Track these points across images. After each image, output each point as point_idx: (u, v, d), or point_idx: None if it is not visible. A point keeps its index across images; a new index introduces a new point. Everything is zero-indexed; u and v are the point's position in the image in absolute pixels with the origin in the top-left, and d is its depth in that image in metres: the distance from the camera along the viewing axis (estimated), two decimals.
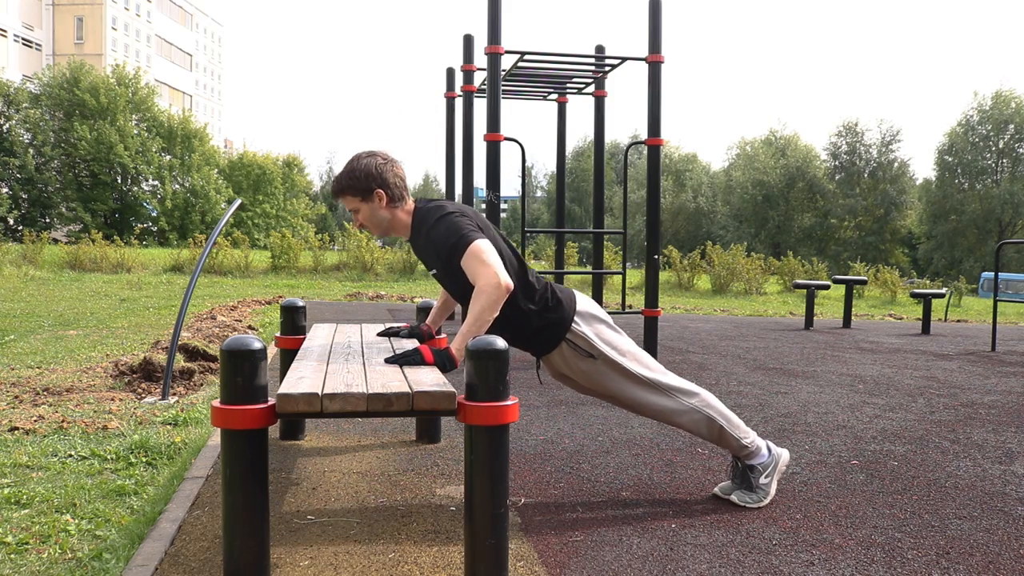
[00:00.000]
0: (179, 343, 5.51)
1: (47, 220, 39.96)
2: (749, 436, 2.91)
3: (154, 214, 42.90)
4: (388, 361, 2.57)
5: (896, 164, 51.32)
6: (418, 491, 3.03)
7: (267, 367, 2.12)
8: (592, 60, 8.00)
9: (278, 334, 3.81)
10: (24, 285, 14.04)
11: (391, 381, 2.25)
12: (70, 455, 3.41)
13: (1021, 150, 47.44)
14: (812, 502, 2.97)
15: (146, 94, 43.46)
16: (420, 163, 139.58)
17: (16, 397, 4.52)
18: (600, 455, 3.59)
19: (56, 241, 28.35)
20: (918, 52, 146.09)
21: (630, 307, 11.93)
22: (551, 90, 9.51)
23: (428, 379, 2.29)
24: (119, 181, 41.77)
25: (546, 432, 4.00)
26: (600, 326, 2.85)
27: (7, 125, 39.10)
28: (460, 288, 2.72)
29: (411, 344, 3.03)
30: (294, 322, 3.76)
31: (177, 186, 44.53)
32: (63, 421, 3.95)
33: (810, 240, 50.91)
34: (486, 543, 2.13)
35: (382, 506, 2.85)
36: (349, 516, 2.74)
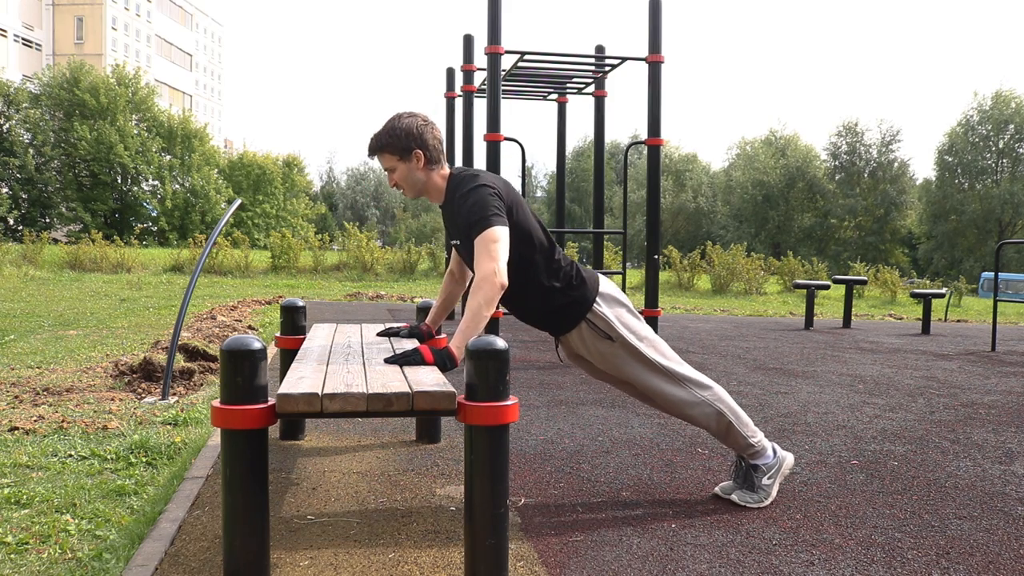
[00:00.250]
0: (179, 343, 5.51)
1: (47, 220, 39.94)
2: (757, 436, 2.91)
3: (154, 214, 42.88)
4: (388, 361, 2.57)
5: (896, 164, 51.29)
6: (418, 491, 3.03)
7: (267, 367, 2.12)
8: (592, 60, 8.00)
9: (278, 334, 3.81)
10: (24, 285, 14.05)
11: (391, 381, 2.25)
12: (70, 455, 3.41)
13: (1021, 150, 47.41)
14: (812, 502, 2.97)
15: (146, 94, 43.45)
16: None
17: (16, 397, 4.52)
18: (600, 455, 3.59)
19: (56, 241, 28.35)
20: (918, 52, 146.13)
21: None
22: (551, 90, 9.51)
23: (428, 379, 2.28)
24: (119, 181, 41.76)
25: (546, 432, 4.00)
26: (621, 310, 2.86)
27: (7, 125, 39.09)
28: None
29: (411, 344, 3.03)
30: (294, 322, 3.76)
31: (177, 186, 44.52)
32: (63, 421, 3.95)
33: (810, 240, 50.89)
34: (486, 543, 2.13)
35: (382, 506, 2.85)
36: (349, 516, 2.74)
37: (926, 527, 2.74)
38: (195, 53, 71.07)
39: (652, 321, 6.62)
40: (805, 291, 11.51)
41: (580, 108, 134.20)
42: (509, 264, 2.65)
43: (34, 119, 38.99)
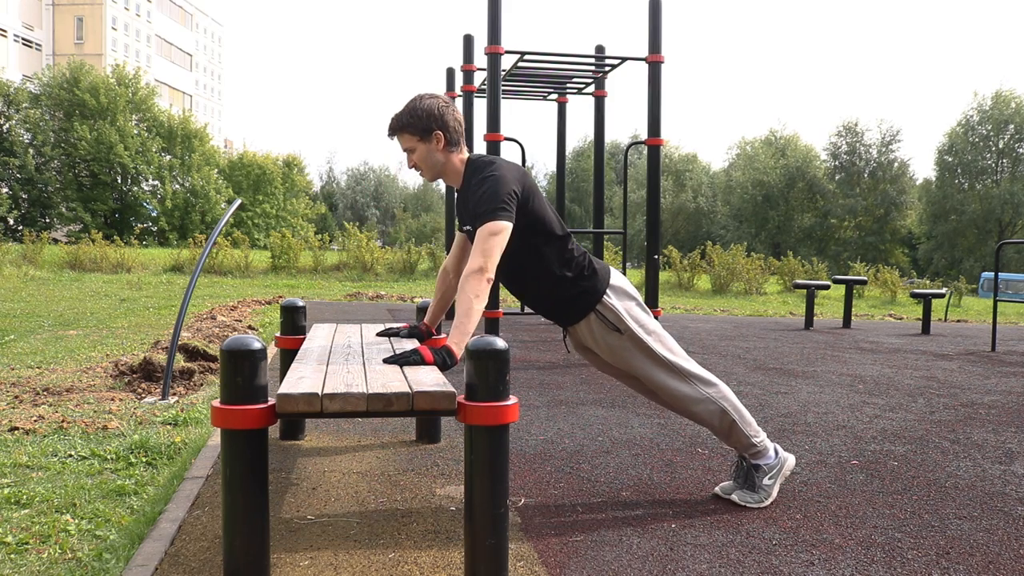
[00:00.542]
0: (179, 343, 5.51)
1: (47, 220, 39.94)
2: (760, 436, 2.91)
3: (154, 214, 42.87)
4: (387, 361, 2.57)
5: (896, 164, 51.30)
6: (418, 491, 3.03)
7: (267, 367, 2.12)
8: (592, 60, 8.00)
9: (278, 334, 3.81)
10: (24, 285, 14.04)
11: (391, 381, 2.25)
12: (70, 455, 3.41)
13: (1021, 150, 47.41)
14: (812, 502, 2.97)
15: (146, 94, 43.44)
16: None
17: (16, 397, 4.52)
18: (600, 455, 3.59)
19: (56, 241, 28.35)
20: (918, 52, 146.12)
21: None
22: (551, 90, 9.51)
23: (428, 379, 2.28)
24: (119, 181, 41.75)
25: (546, 432, 4.00)
26: (630, 303, 2.87)
27: (7, 125, 39.08)
28: None
29: (411, 344, 3.03)
30: (294, 322, 3.76)
31: (177, 186, 44.51)
32: (63, 421, 3.95)
33: (810, 240, 50.89)
34: (486, 543, 2.13)
35: (382, 506, 2.85)
36: (349, 516, 2.74)
37: (926, 527, 2.74)
38: (195, 53, 71.07)
39: None
40: (805, 291, 11.51)
41: (580, 108, 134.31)
42: (522, 252, 2.70)
43: (34, 119, 38.99)
